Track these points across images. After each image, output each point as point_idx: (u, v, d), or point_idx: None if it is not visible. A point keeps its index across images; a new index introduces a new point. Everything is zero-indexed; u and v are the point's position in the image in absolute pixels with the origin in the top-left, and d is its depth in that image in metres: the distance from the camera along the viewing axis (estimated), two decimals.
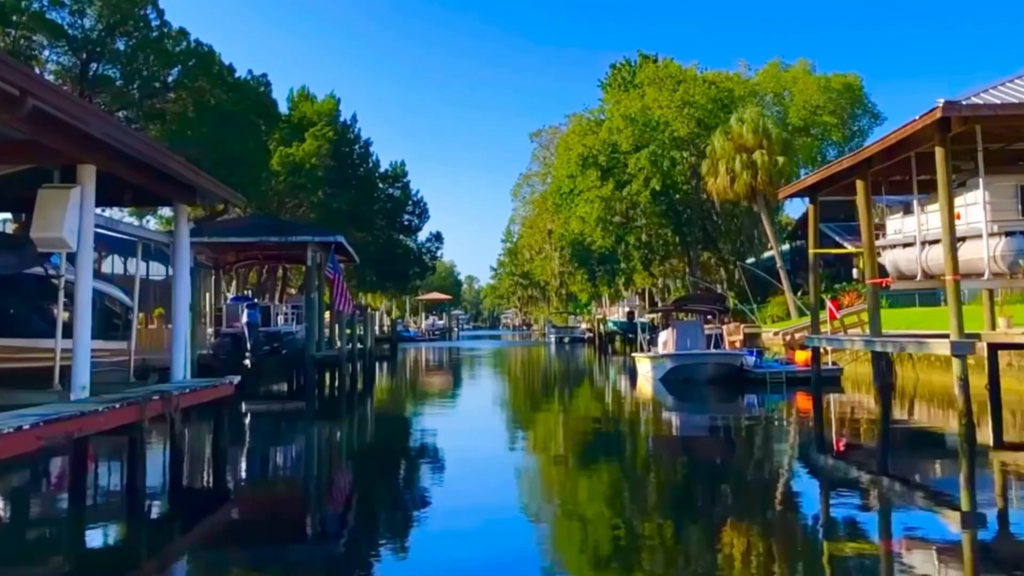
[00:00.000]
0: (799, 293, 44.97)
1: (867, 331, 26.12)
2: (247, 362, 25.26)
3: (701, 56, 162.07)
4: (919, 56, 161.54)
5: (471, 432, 18.82)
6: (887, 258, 18.75)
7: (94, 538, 9.62)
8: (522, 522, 9.98)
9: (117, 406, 9.11)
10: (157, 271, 37.91)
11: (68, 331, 10.55)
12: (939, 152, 14.20)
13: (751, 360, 26.32)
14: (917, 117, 13.99)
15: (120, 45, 25.74)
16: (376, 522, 10.18)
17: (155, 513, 10.43)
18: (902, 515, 9.97)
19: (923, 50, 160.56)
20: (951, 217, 14.15)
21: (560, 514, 10.51)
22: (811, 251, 21.72)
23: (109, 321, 13.08)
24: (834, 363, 25.94)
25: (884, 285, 18.40)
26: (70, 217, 9.92)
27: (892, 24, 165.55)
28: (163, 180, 12.43)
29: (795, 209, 65.19)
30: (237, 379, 13.52)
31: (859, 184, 18.05)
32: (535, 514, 10.43)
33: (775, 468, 13.60)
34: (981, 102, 13.41)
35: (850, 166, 17.84)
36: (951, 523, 9.53)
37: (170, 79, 27.55)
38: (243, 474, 13.58)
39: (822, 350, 23.08)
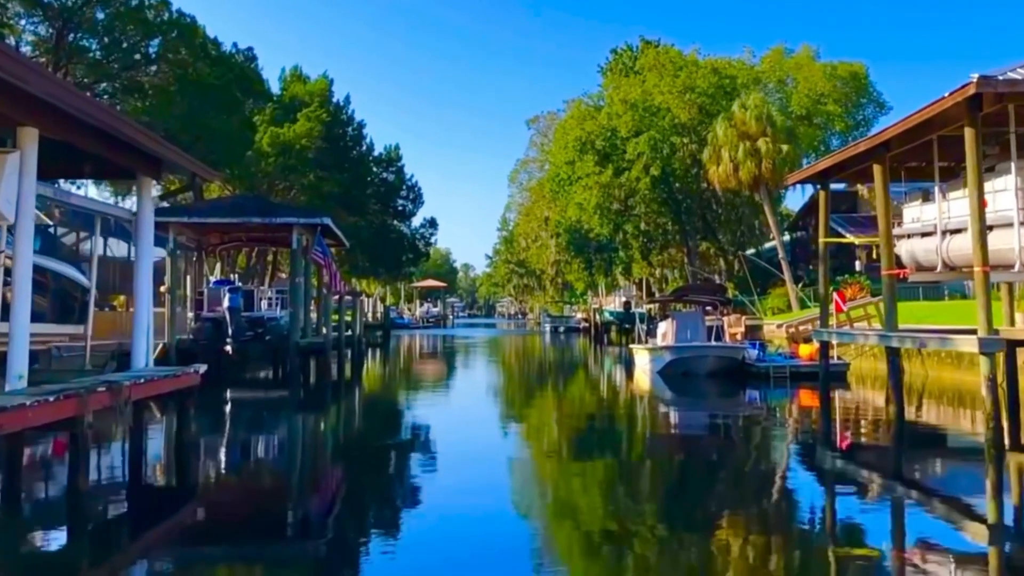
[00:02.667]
0: (800, 285, 43.99)
1: (873, 324, 25.25)
2: (228, 348, 24.28)
3: (705, 41, 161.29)
4: (926, 43, 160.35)
5: (460, 425, 17.82)
6: (903, 248, 17.68)
7: (20, 549, 8.52)
8: (514, 518, 9.55)
9: (51, 399, 8.03)
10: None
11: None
12: (969, 133, 13.11)
13: (754, 353, 25.32)
14: (946, 95, 12.89)
15: (99, 14, 24.53)
16: (355, 521, 9.11)
17: (100, 519, 9.30)
18: (918, 521, 9.19)
19: (931, 37, 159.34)
20: (981, 204, 13.08)
21: (551, 511, 9.94)
22: (821, 240, 20.61)
23: (65, 304, 11.96)
24: (839, 357, 24.93)
25: (902, 277, 17.34)
26: (6, 186, 8.83)
27: (899, 10, 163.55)
28: (124, 151, 11.35)
29: (794, 201, 64.20)
30: (203, 368, 12.47)
31: (876, 169, 16.92)
32: (527, 510, 9.93)
33: (781, 469, 12.62)
34: (1019, 77, 12.32)
35: (866, 149, 16.70)
36: (972, 532, 8.72)
37: (151, 51, 26.34)
38: (211, 471, 12.42)
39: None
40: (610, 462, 13.36)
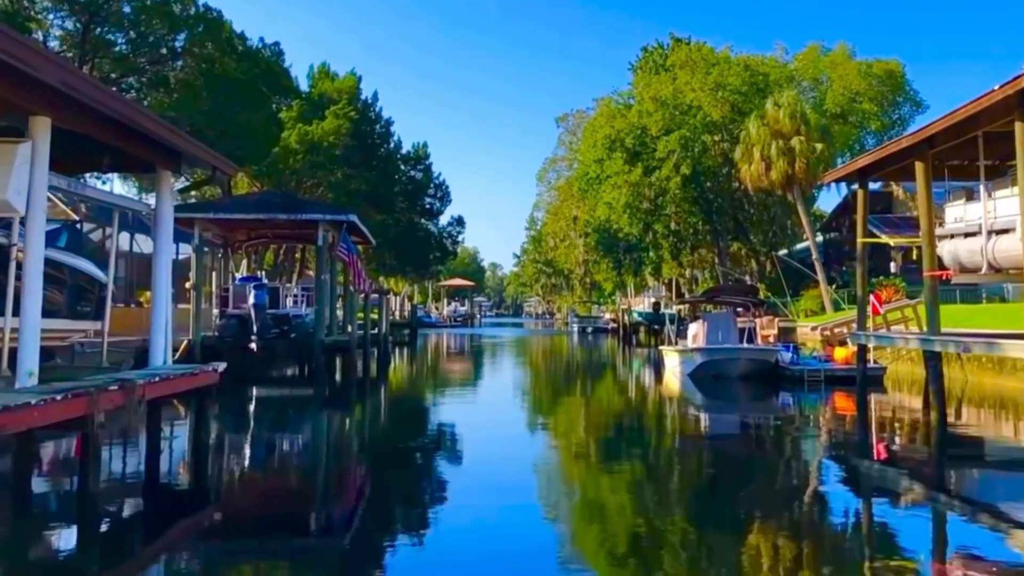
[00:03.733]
0: (833, 287, 43.13)
1: (911, 327, 24.51)
2: (253, 345, 24.06)
3: (738, 38, 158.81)
4: (965, 42, 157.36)
5: (486, 425, 17.45)
6: (945, 249, 17.06)
7: (23, 554, 8.24)
8: (541, 520, 9.42)
9: (58, 398, 7.72)
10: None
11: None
12: (1020, 128, 12.51)
13: (787, 356, 24.66)
14: (995, 88, 12.31)
15: (125, 8, 24.39)
16: (378, 522, 8.78)
17: (109, 522, 8.99)
18: (962, 532, 8.79)
19: (970, 36, 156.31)
20: None
21: (578, 513, 9.82)
22: (859, 240, 19.97)
23: (80, 298, 11.70)
24: (875, 361, 24.24)
25: (945, 278, 16.70)
26: (16, 177, 8.54)
27: (937, 8, 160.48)
28: (142, 143, 11.06)
29: (825, 203, 63.12)
30: (222, 366, 12.15)
31: (918, 166, 16.28)
32: (554, 512, 9.77)
33: (817, 476, 12.09)
34: None
35: (909, 146, 16.10)
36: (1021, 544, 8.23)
37: (177, 45, 26.16)
38: (228, 471, 12.10)
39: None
40: (638, 466, 12.97)
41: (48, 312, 10.98)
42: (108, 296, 12.00)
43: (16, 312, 8.98)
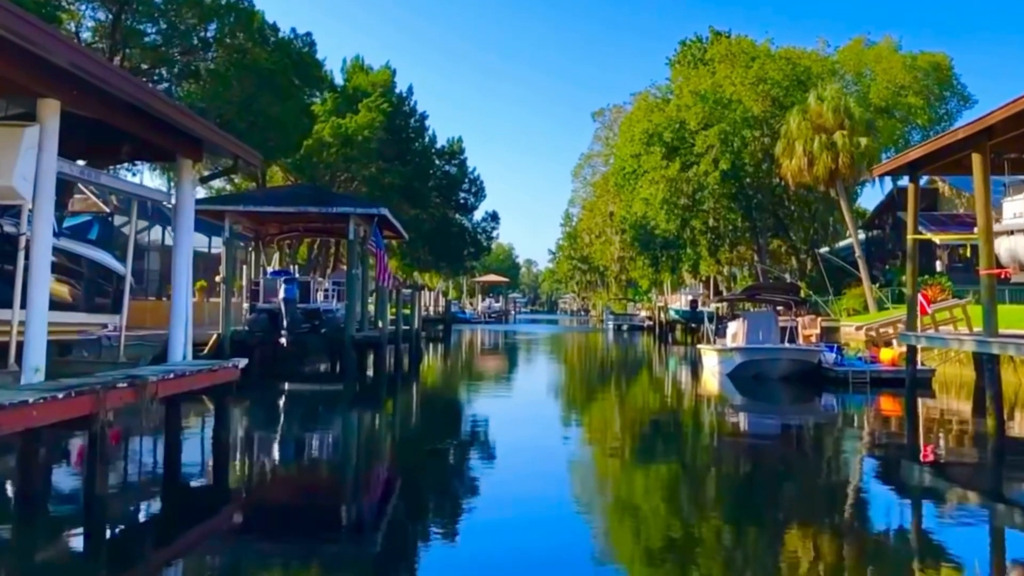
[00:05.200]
0: (877, 285, 41.94)
1: (959, 328, 23.53)
2: (283, 340, 23.71)
3: (777, 32, 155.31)
4: (1014, 36, 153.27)
5: (520, 423, 16.89)
6: (1002, 246, 16.21)
7: (35, 557, 7.81)
8: (575, 520, 9.10)
9: (60, 396, 7.27)
10: (199, 242, 36.76)
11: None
12: None
13: (831, 357, 23.77)
14: None
15: None
16: (405, 523, 8.25)
17: (114, 527, 8.54)
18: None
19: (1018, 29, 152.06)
20: None
21: (612, 515, 9.62)
22: (909, 236, 19.05)
23: (96, 291, 11.30)
24: (922, 363, 23.28)
25: (1004, 276, 15.82)
26: (23, 162, 8.11)
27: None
28: (162, 130, 10.63)
29: (867, 200, 61.58)
30: (243, 362, 11.71)
31: (975, 158, 15.38)
32: (587, 514, 9.57)
33: (865, 483, 11.44)
34: None
35: (965, 137, 15.20)
36: None
37: (208, 36, 25.84)
38: (248, 472, 11.63)
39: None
40: (676, 468, 12.48)
41: (63, 305, 10.61)
42: (127, 289, 11.58)
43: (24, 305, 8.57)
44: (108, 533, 8.22)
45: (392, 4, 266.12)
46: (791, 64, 48.86)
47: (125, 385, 8.39)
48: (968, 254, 44.42)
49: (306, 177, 41.38)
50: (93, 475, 8.07)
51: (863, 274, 40.98)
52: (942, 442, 14.96)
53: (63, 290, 10.50)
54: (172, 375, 9.58)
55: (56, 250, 10.28)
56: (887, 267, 47.71)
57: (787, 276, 53.15)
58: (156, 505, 9.52)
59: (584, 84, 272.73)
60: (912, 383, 18.39)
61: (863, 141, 40.57)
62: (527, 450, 13.43)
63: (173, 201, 11.86)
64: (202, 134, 11.22)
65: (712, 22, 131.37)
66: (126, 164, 25.99)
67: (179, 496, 9.80)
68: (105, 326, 12.29)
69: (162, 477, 10.77)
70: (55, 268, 10.37)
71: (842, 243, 52.43)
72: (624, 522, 9.22)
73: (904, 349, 22.30)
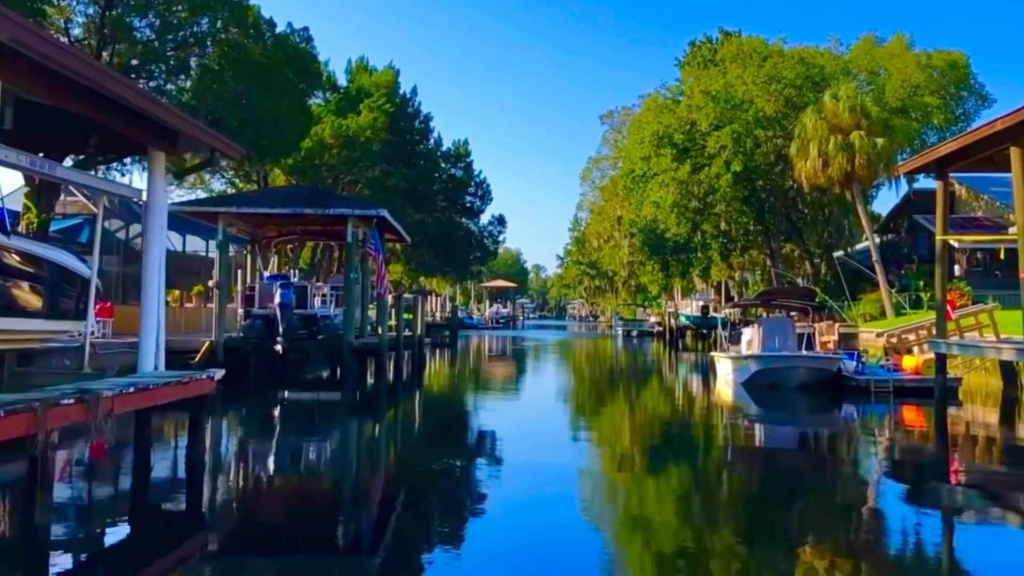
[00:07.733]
0: (894, 290, 40.74)
1: (985, 335, 22.42)
2: (278, 347, 22.80)
3: (788, 31, 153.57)
4: None
5: (525, 436, 15.79)
6: None
7: None
8: (584, 534, 8.81)
9: None
10: (197, 246, 35.88)
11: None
12: None
13: (851, 365, 22.67)
14: None
15: None
16: (402, 549, 7.27)
17: (69, 558, 7.56)
18: None
19: None
20: None
21: (622, 530, 9.21)
22: (939, 237, 18.03)
23: (59, 295, 10.32)
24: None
25: None
26: None
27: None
28: (131, 121, 9.68)
29: (880, 204, 60.33)
30: (219, 373, 10.73)
31: (1014, 152, 14.31)
32: (596, 527, 9.27)
33: (892, 504, 10.41)
34: None
35: (1003, 129, 14.14)
36: None
37: (200, 31, 24.84)
38: (223, 494, 10.56)
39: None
40: (689, 483, 11.68)
41: (19, 311, 9.66)
42: (92, 293, 10.60)
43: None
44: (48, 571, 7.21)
45: (398, 10, 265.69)
46: (804, 64, 47.75)
47: (71, 402, 7.40)
48: (986, 258, 43.27)
49: (307, 180, 40.50)
50: (32, 504, 7.08)
51: (880, 278, 39.79)
52: (971, 455, 13.96)
53: (19, 295, 9.54)
54: (132, 389, 8.59)
55: (11, 251, 9.36)
56: (903, 272, 46.49)
57: (800, 281, 52.01)
58: (113, 534, 8.50)
59: (592, 86, 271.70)
60: (943, 393, 17.36)
61: (880, 141, 39.43)
62: (533, 465, 12.41)
63: (144, 197, 10.87)
64: (175, 124, 10.27)
65: (719, 20, 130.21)
66: (116, 163, 25.10)
67: (142, 523, 8.78)
68: (69, 334, 11.31)
69: (128, 501, 9.76)
70: (10, 271, 9.46)
71: (858, 246, 51.24)
72: (636, 540, 8.65)
73: (929, 357, 21.22)
